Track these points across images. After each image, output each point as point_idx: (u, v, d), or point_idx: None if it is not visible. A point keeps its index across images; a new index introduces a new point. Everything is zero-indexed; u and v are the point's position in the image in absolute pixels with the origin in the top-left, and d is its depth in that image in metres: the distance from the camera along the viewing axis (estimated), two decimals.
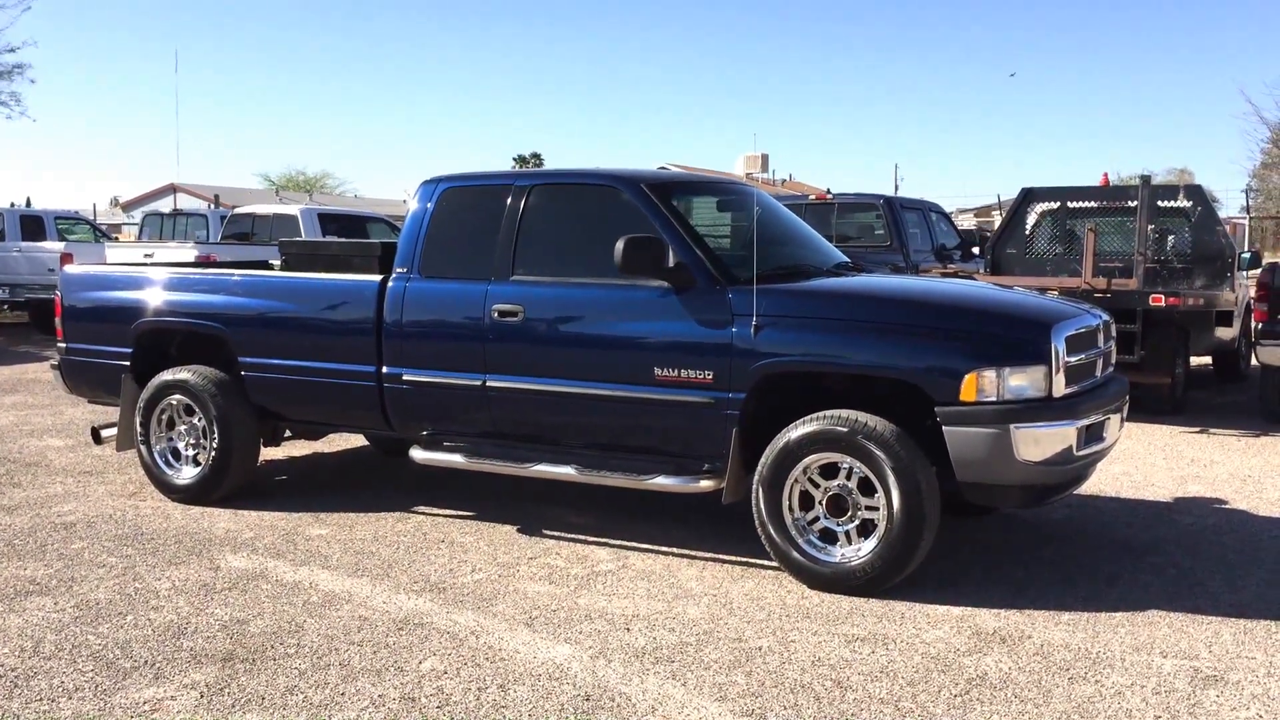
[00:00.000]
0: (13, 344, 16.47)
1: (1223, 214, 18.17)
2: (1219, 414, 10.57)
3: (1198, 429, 9.66)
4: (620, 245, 5.26)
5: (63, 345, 7.26)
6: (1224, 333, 11.53)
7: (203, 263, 10.45)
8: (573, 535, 6.03)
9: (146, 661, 4.26)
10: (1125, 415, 5.72)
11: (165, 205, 36.89)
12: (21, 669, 4.18)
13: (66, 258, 14.96)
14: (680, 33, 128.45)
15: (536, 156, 64.68)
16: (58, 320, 7.29)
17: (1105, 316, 5.78)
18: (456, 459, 6.04)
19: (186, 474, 6.70)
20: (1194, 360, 11.67)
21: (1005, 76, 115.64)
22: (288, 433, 7.25)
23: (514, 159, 64.62)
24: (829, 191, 15.01)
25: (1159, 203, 11.39)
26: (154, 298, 6.85)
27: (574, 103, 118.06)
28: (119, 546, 5.79)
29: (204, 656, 4.31)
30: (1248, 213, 25.67)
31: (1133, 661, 4.31)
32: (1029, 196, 12.27)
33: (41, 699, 3.93)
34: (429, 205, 6.20)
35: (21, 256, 17.53)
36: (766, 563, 5.40)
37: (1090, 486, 6.79)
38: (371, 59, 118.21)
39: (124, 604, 4.91)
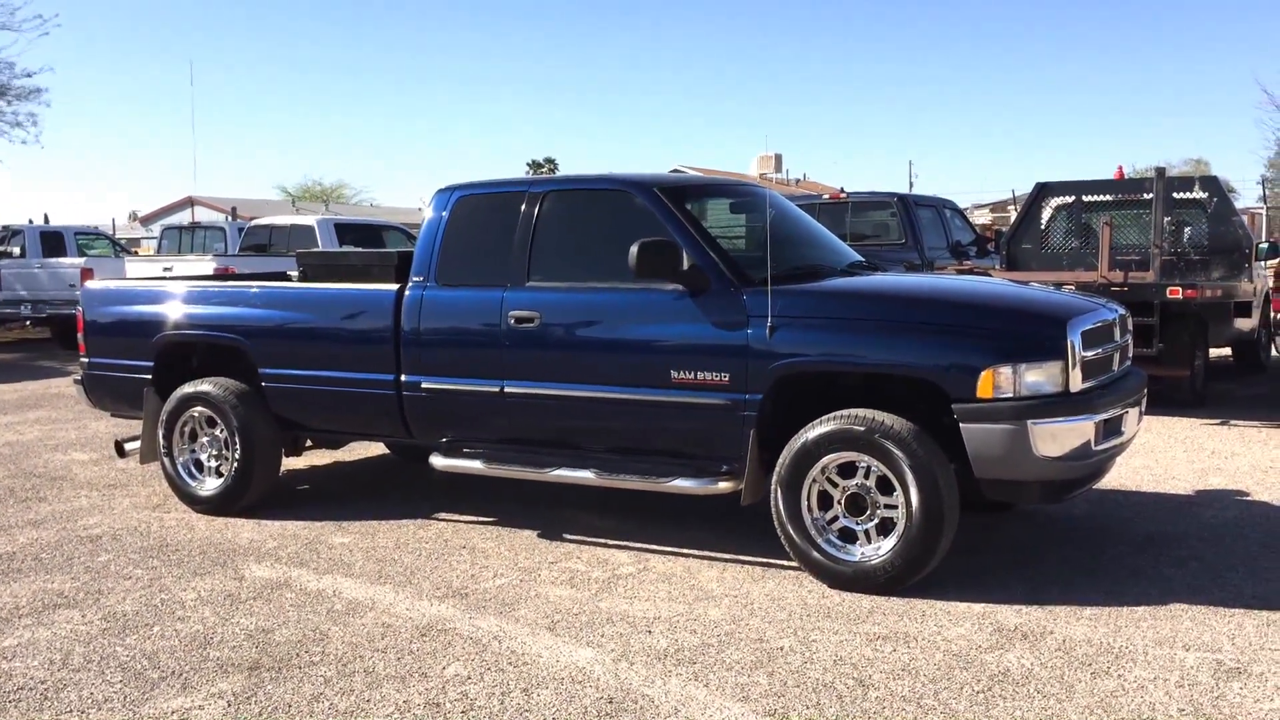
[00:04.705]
0: (36, 359, 16.63)
1: (1240, 204, 18.08)
2: (1239, 405, 10.52)
3: (1218, 421, 9.62)
4: (635, 249, 5.29)
5: (85, 360, 7.33)
6: (1243, 324, 11.48)
7: (221, 275, 10.54)
8: (593, 539, 6.06)
9: (174, 671, 4.31)
10: (1144, 408, 5.71)
11: (183, 218, 37.17)
12: (51, 681, 4.24)
13: (87, 273, 15.10)
14: (692, 35, 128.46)
15: (550, 162, 64.84)
16: (80, 335, 7.36)
17: (1122, 310, 5.78)
18: (476, 465, 6.08)
19: (210, 485, 6.76)
20: (1213, 352, 11.61)
21: (1019, 71, 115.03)
22: (309, 442, 7.30)
23: (528, 165, 64.82)
24: (843, 190, 15.00)
25: (1175, 194, 11.34)
26: (174, 311, 6.91)
27: (587, 107, 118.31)
28: (144, 558, 5.85)
29: (230, 666, 4.35)
30: (1265, 203, 25.54)
31: (1155, 655, 4.31)
32: (1044, 191, 12.23)
33: (71, 711, 3.98)
34: (444, 213, 6.24)
35: (43, 272, 17.69)
36: (786, 563, 5.42)
37: (1110, 481, 6.77)
38: (384, 68, 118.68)
39: (151, 615, 4.96)
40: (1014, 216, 14.31)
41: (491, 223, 6.11)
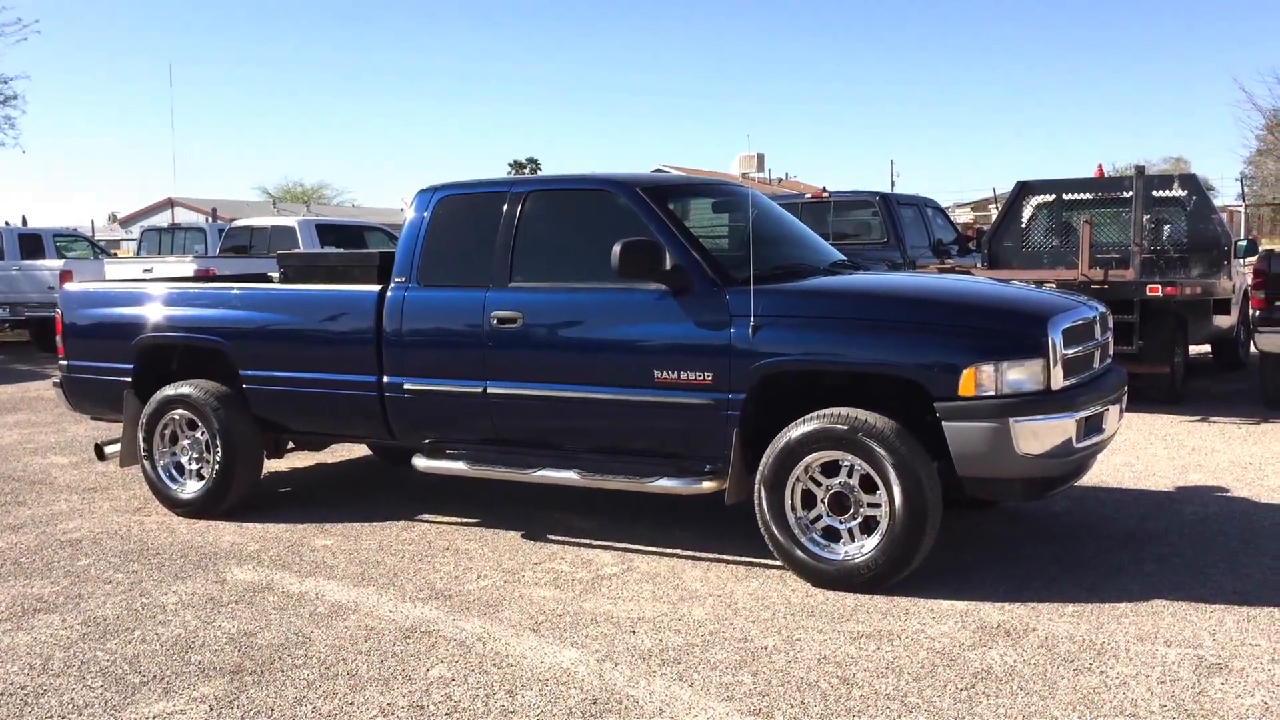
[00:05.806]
0: (14, 362, 16.50)
1: (1219, 202, 18.19)
2: (1219, 402, 10.59)
3: (1198, 418, 9.68)
4: (617, 249, 5.28)
5: (64, 363, 7.28)
6: (1222, 321, 11.55)
7: (201, 277, 10.49)
8: (577, 539, 6.05)
9: (155, 676, 4.28)
10: (1124, 406, 5.74)
11: (163, 220, 36.98)
12: (31, 687, 4.20)
13: (66, 275, 14.97)
14: (674, 35, 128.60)
15: (533, 162, 64.78)
16: (59, 338, 7.31)
17: (1102, 308, 5.81)
18: (459, 466, 6.06)
19: (190, 488, 6.72)
20: (1193, 349, 11.68)
21: (1000, 70, 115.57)
22: (290, 444, 7.26)
23: (510, 165, 64.71)
24: (825, 189, 15.03)
25: (1154, 192, 11.41)
26: (154, 313, 6.87)
27: (569, 107, 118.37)
28: (125, 562, 5.81)
29: (212, 670, 4.33)
30: (1243, 200, 25.72)
31: (1137, 651, 4.33)
32: (1024, 189, 12.29)
33: (52, 716, 3.95)
34: (425, 214, 6.22)
35: (21, 275, 17.54)
36: (771, 562, 5.42)
37: (1091, 478, 6.81)
38: (366, 68, 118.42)
39: (131, 619, 4.93)
40: (995, 215, 14.37)
41: (474, 223, 6.09)
